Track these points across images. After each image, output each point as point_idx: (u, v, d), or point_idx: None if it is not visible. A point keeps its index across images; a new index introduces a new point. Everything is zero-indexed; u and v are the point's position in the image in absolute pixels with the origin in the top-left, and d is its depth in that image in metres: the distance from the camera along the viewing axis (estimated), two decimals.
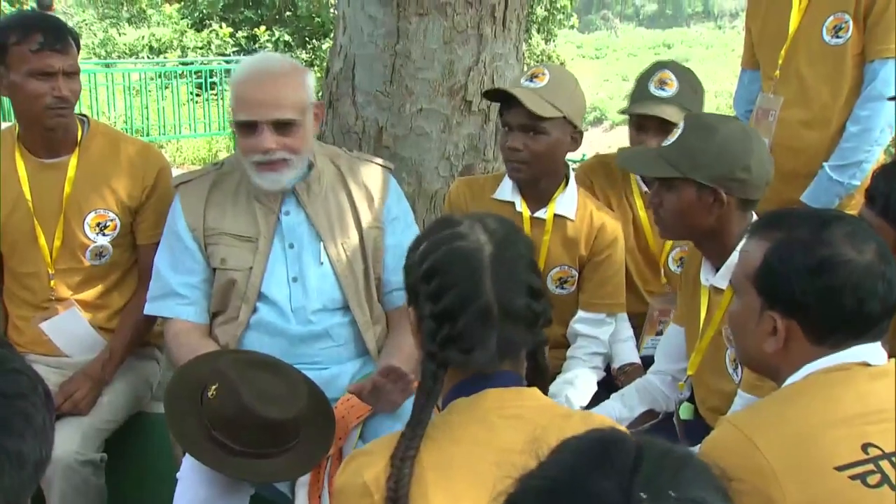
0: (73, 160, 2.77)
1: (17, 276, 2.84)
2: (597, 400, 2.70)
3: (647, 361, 2.81)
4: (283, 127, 2.47)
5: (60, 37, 2.63)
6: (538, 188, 2.79)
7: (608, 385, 2.81)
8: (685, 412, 2.66)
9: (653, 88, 2.95)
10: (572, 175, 2.84)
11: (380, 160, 2.80)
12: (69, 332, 2.83)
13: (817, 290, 1.60)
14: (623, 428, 1.64)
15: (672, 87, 2.91)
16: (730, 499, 0.99)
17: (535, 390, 1.64)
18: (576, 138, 2.72)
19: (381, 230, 2.65)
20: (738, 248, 2.29)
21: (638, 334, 2.96)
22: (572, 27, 21.55)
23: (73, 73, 2.68)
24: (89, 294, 2.85)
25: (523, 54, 3.87)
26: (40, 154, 2.77)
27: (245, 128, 2.48)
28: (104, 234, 2.80)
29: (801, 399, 1.59)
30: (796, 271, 1.61)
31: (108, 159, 2.82)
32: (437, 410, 1.74)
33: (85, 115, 2.90)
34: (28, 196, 2.74)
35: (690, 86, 2.95)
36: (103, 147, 2.83)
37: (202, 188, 2.61)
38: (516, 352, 1.63)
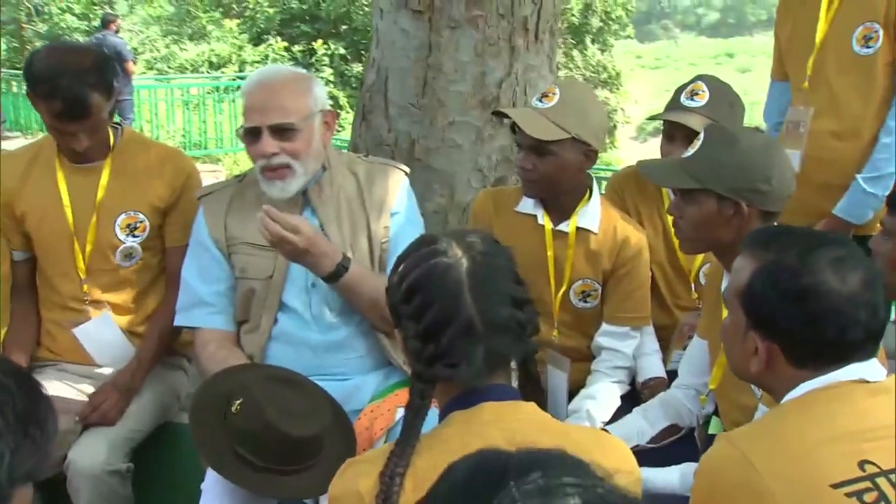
0: (106, 165, 2.85)
1: (49, 278, 2.90)
2: (620, 414, 2.68)
3: (674, 376, 2.77)
4: (283, 132, 2.51)
5: (79, 108, 2.65)
6: (560, 201, 2.77)
7: (633, 399, 2.77)
8: (714, 427, 2.62)
9: (684, 99, 2.94)
10: (596, 187, 2.81)
11: (397, 164, 2.82)
12: (101, 338, 2.88)
13: (798, 317, 1.58)
14: (622, 446, 1.63)
15: (702, 99, 2.89)
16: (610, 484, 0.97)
17: (533, 405, 1.63)
18: (590, 155, 2.70)
19: (388, 229, 2.66)
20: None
21: (665, 348, 2.92)
22: (629, 37, 21.44)
23: (95, 129, 2.73)
24: (120, 297, 2.90)
25: (556, 66, 3.85)
26: (75, 160, 2.85)
27: (250, 135, 2.54)
28: (134, 236, 2.86)
29: (799, 416, 1.57)
30: (778, 297, 1.60)
31: (139, 163, 2.89)
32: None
33: (118, 123, 2.98)
34: (65, 200, 2.82)
35: (725, 99, 2.92)
36: (135, 152, 2.91)
37: (223, 199, 2.66)
38: (505, 363, 1.63)
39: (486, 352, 1.57)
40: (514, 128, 2.70)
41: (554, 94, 2.67)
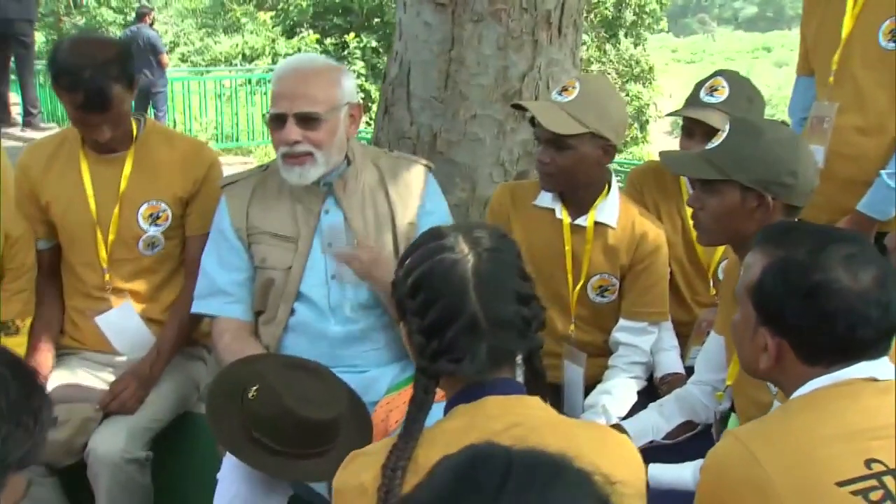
0: (129, 156, 2.88)
1: (73, 267, 2.94)
2: (637, 410, 2.66)
3: (692, 372, 2.75)
4: (308, 121, 2.52)
5: (101, 100, 2.67)
6: (578, 196, 2.76)
7: (650, 394, 2.76)
8: (732, 423, 2.60)
9: (703, 95, 2.91)
10: (615, 182, 2.80)
11: (421, 159, 2.83)
12: (122, 327, 2.91)
13: (808, 315, 1.57)
14: (625, 440, 1.63)
15: (722, 94, 2.86)
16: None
17: (537, 399, 1.63)
18: (608, 150, 2.68)
19: (415, 227, 2.66)
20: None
21: (683, 344, 2.91)
22: (662, 31, 21.28)
23: (117, 121, 2.77)
24: (143, 286, 2.94)
25: (580, 60, 3.83)
26: (99, 151, 2.88)
27: (275, 121, 2.54)
28: (156, 225, 2.90)
29: (806, 413, 1.56)
30: (789, 293, 1.59)
31: (162, 154, 2.92)
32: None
33: (142, 115, 3.01)
34: (89, 190, 2.86)
35: (745, 95, 2.89)
36: (158, 143, 2.94)
37: (246, 189, 2.67)
38: (509, 359, 1.62)
39: (490, 348, 1.57)
40: (534, 121, 2.70)
41: (574, 87, 2.65)
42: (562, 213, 2.77)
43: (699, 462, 2.20)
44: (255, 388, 2.26)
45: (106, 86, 2.67)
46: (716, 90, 2.86)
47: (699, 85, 2.94)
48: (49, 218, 2.90)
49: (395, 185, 2.69)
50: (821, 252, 1.59)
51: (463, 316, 1.55)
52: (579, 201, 2.76)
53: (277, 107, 2.54)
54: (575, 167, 2.66)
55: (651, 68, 18.04)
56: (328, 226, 2.59)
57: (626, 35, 17.29)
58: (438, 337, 1.57)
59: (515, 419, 1.56)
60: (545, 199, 2.80)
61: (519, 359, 1.68)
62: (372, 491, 1.52)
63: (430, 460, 1.53)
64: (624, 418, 2.62)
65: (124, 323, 2.92)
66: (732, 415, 2.59)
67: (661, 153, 2.56)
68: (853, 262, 1.57)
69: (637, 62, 17.65)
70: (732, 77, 2.92)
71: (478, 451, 1.00)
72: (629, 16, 17.09)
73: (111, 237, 2.87)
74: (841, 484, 1.43)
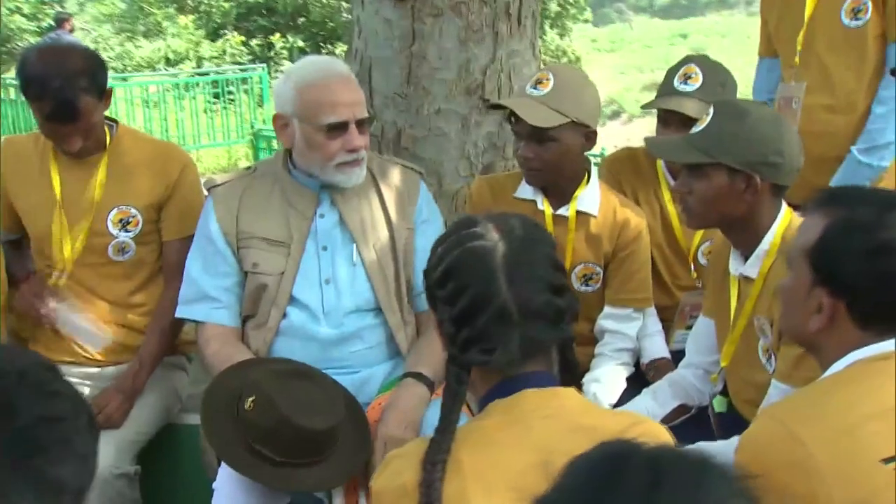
0: (103, 161, 2.82)
1: (40, 270, 2.88)
2: (627, 396, 2.68)
3: (677, 356, 2.78)
4: (362, 125, 2.52)
5: (70, 112, 2.62)
6: (559, 186, 2.77)
7: (638, 380, 2.78)
8: (718, 405, 2.64)
9: (677, 83, 2.89)
10: (594, 171, 2.81)
11: (410, 164, 2.82)
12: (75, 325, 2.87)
13: (871, 274, 1.55)
14: (660, 428, 1.62)
15: (696, 82, 2.85)
16: (755, 500, 0.95)
17: (572, 390, 1.62)
18: (590, 137, 2.69)
19: (412, 231, 2.66)
20: (770, 233, 2.27)
21: (667, 329, 2.93)
22: (586, 21, 21.50)
23: (88, 129, 2.71)
24: (115, 292, 2.88)
25: (539, 51, 3.85)
26: (70, 155, 2.82)
27: (332, 130, 2.49)
28: (126, 231, 2.84)
29: (843, 389, 1.55)
30: (852, 252, 1.57)
31: (133, 158, 2.87)
32: (470, 414, 1.72)
33: (114, 120, 2.94)
34: (58, 194, 2.80)
35: (718, 80, 2.88)
36: (129, 147, 2.88)
37: (235, 192, 2.62)
38: (542, 350, 1.60)
39: (522, 338, 1.55)
40: (512, 118, 2.69)
41: (548, 79, 2.65)
42: (543, 204, 2.77)
43: (734, 441, 2.22)
44: (251, 398, 2.22)
45: (74, 97, 2.61)
46: (689, 77, 2.86)
47: (671, 72, 2.93)
48: (15, 213, 2.86)
49: (387, 186, 2.67)
50: (887, 212, 1.57)
51: (493, 304, 1.54)
52: (561, 191, 2.77)
53: (339, 115, 2.48)
54: (560, 159, 2.66)
55: (578, 58, 18.20)
56: None
57: (551, 26, 17.44)
58: (469, 325, 1.55)
59: (553, 411, 1.55)
60: (526, 191, 2.80)
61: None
62: (413, 491, 1.50)
63: (470, 457, 1.52)
64: (615, 405, 2.64)
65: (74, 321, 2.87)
66: (718, 397, 2.63)
67: (646, 139, 2.58)
68: None
69: (563, 52, 17.82)
70: (704, 63, 2.91)
71: (616, 450, 0.98)
72: (554, 7, 17.25)
73: (79, 242, 2.81)
74: (886, 461, 1.42)
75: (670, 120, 2.86)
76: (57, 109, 2.61)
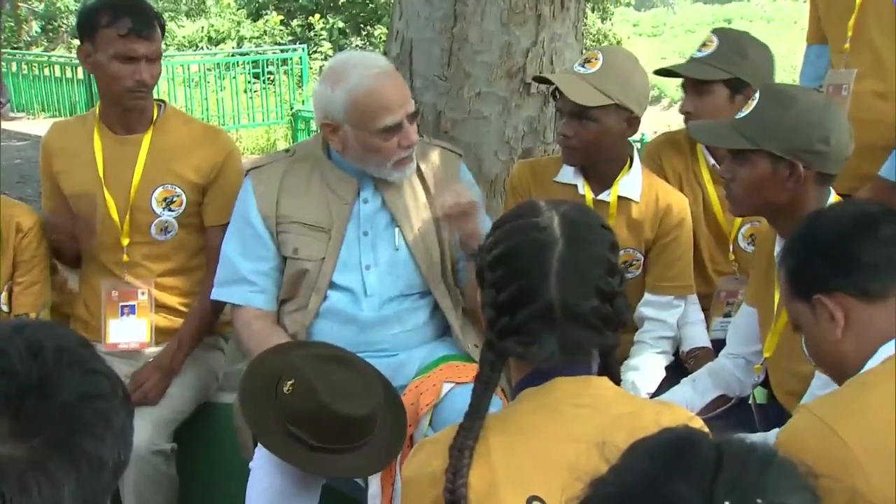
0: (146, 137, 2.85)
1: (88, 250, 2.89)
2: (666, 385, 2.65)
3: (715, 344, 2.75)
4: (413, 118, 2.52)
5: (147, 23, 2.71)
6: (600, 170, 2.73)
7: (677, 369, 2.75)
8: (760, 396, 2.59)
9: (696, 51, 2.92)
10: (637, 156, 2.77)
11: (452, 147, 2.81)
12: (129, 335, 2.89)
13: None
14: (696, 419, 1.60)
15: (709, 49, 2.83)
16: (819, 498, 0.94)
17: (605, 379, 1.59)
18: (632, 122, 2.65)
19: None
20: None
21: (706, 318, 2.89)
22: (628, 5, 21.24)
23: (155, 59, 2.76)
24: (156, 271, 2.89)
25: (582, 34, 3.80)
26: (117, 130, 2.86)
27: (387, 131, 2.48)
28: (170, 210, 2.85)
29: (880, 385, 1.52)
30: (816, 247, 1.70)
31: (179, 138, 2.89)
32: (506, 401, 1.71)
33: (163, 100, 2.97)
34: (100, 172, 2.82)
35: (734, 47, 2.82)
36: (176, 127, 2.91)
37: (275, 175, 2.60)
38: (581, 352, 1.57)
39: (561, 338, 1.52)
40: (556, 94, 2.66)
41: (597, 59, 2.62)
42: (584, 189, 2.74)
43: (772, 433, 2.18)
44: (290, 381, 2.22)
45: (150, 11, 2.73)
46: (704, 45, 2.86)
47: None
48: (62, 194, 2.88)
49: (429, 169, 2.66)
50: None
51: (538, 301, 1.51)
52: (602, 176, 2.74)
53: (394, 116, 2.46)
54: (599, 140, 2.63)
55: (619, 42, 18.00)
56: None
57: (592, 10, 17.26)
58: (509, 315, 1.52)
59: (586, 400, 1.53)
60: (567, 175, 2.77)
61: None
62: (442, 478, 1.48)
63: (501, 444, 1.50)
64: (654, 394, 2.61)
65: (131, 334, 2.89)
66: (759, 388, 2.58)
67: (689, 124, 2.54)
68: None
69: (605, 36, 17.64)
70: (723, 32, 2.91)
71: (683, 435, 0.97)
72: None
73: (126, 217, 2.83)
74: None
75: (686, 85, 2.88)
76: (137, 20, 2.67)
